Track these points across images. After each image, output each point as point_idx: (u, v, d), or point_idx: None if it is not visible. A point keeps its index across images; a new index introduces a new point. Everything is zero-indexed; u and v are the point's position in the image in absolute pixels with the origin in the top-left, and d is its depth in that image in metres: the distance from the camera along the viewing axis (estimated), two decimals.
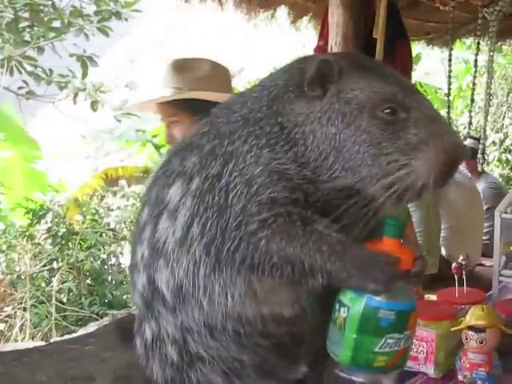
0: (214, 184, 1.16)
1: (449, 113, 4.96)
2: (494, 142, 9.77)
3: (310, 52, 3.92)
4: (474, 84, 5.14)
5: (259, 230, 1.12)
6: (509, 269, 3.02)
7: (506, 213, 2.94)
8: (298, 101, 1.18)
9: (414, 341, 2.58)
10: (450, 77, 4.71)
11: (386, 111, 1.14)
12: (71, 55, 6.20)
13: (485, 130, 4.80)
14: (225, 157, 1.16)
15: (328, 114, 1.15)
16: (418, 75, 9.54)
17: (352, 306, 1.14)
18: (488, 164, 9.40)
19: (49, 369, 1.48)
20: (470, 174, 5.78)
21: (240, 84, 10.15)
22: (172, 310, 1.22)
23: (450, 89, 4.70)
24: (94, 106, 6.28)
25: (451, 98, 5.21)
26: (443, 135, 1.14)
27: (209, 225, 1.14)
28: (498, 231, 2.98)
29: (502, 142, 9.48)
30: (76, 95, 6.30)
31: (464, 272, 2.89)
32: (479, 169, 5.60)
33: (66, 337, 3.07)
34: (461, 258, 2.89)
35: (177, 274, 1.18)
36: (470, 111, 5.37)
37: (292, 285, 1.16)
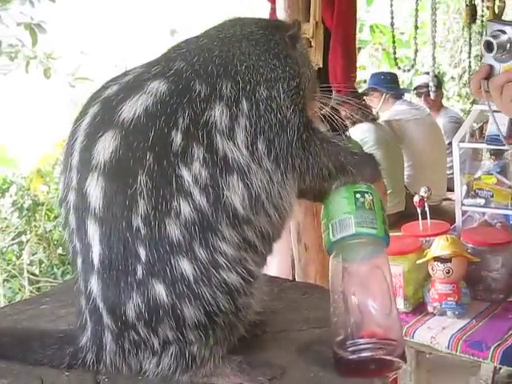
0: (268, 106, 1.31)
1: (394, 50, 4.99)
2: (452, 77, 9.81)
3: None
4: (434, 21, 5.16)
5: (311, 140, 1.36)
6: (470, 198, 3.05)
7: (462, 142, 2.95)
8: (289, 49, 1.42)
9: None
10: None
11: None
12: (18, 24, 6.07)
13: (434, 63, 4.80)
14: (268, 84, 1.33)
15: (306, 60, 1.46)
16: (372, 17, 9.50)
17: (373, 191, 1.36)
18: (448, 99, 9.44)
19: None
20: (428, 110, 5.79)
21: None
22: (244, 223, 1.26)
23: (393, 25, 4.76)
24: (46, 73, 6.19)
25: (407, 37, 5.22)
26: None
27: (277, 141, 1.30)
28: (457, 161, 2.99)
29: (460, 77, 9.52)
30: (27, 64, 6.20)
31: (427, 205, 2.91)
32: (431, 96, 5.62)
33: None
34: (422, 190, 2.90)
35: (252, 187, 1.27)
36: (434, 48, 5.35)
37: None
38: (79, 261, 1.29)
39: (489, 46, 1.55)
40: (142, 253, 1.20)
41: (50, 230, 6.22)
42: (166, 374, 1.28)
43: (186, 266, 1.20)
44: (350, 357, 1.25)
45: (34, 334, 1.44)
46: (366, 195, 1.34)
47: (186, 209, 1.21)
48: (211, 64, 1.31)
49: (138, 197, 1.20)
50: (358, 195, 1.34)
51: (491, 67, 1.57)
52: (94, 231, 1.24)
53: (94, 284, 1.26)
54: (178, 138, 1.22)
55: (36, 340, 1.39)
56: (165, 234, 1.20)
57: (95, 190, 1.22)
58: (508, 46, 1.53)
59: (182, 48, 1.38)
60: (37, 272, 6.06)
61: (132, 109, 1.24)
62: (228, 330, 1.28)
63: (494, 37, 1.54)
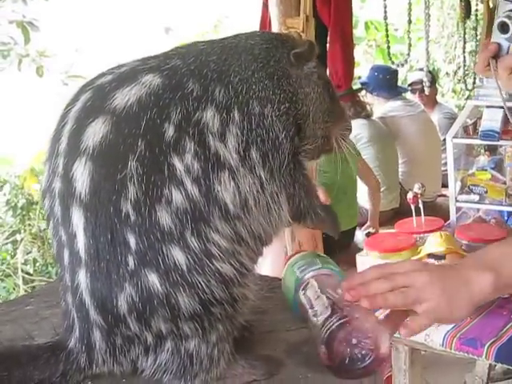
0: (261, 122, 1.30)
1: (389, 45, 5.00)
2: (447, 73, 9.80)
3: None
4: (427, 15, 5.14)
5: (303, 160, 1.39)
6: (465, 194, 3.03)
7: (456, 137, 2.93)
8: (291, 68, 1.38)
9: None
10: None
11: (328, 88, 1.44)
12: (11, 22, 6.05)
13: (428, 57, 4.78)
14: (260, 101, 1.31)
15: (311, 82, 1.40)
16: (367, 13, 9.49)
17: None
18: (443, 95, 9.43)
19: None
20: (423, 107, 5.77)
21: (168, 45, 9.92)
22: (236, 219, 1.27)
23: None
24: (39, 71, 6.17)
25: (401, 33, 5.22)
26: (345, 113, 1.54)
27: (270, 156, 1.30)
28: (451, 157, 2.97)
29: (455, 73, 9.50)
30: (20, 62, 6.18)
31: (421, 201, 2.89)
32: (426, 92, 5.59)
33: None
34: (416, 187, 2.88)
35: (241, 189, 1.26)
36: (427, 43, 5.33)
37: None
38: (66, 254, 1.26)
39: (503, 27, 1.53)
40: (132, 241, 1.18)
41: (45, 229, 6.18)
42: (164, 372, 1.26)
43: (178, 255, 1.19)
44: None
45: (18, 349, 1.38)
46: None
47: (177, 197, 1.19)
48: (206, 68, 1.30)
49: (127, 182, 1.18)
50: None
51: (499, 46, 1.55)
52: (78, 219, 1.22)
53: (82, 278, 1.23)
54: (170, 130, 1.21)
55: (23, 353, 1.33)
56: (155, 221, 1.18)
57: (82, 175, 1.20)
58: None
59: (182, 48, 1.38)
60: (31, 271, 6.04)
61: (125, 97, 1.23)
62: (229, 323, 1.27)
63: (509, 17, 1.52)
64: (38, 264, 6.10)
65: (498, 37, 1.54)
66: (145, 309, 1.21)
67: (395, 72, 5.73)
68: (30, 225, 6.18)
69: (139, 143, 1.19)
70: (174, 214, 1.19)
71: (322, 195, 1.49)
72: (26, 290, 5.67)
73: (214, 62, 1.32)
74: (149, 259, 1.19)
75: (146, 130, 1.20)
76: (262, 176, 1.29)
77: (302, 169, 1.38)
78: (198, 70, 1.29)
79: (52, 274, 5.93)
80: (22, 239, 6.15)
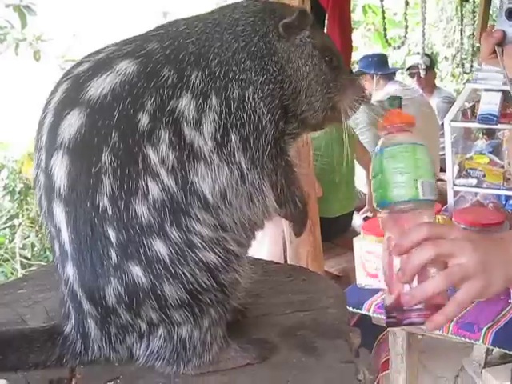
0: (241, 105, 1.25)
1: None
2: (445, 57, 9.78)
3: None
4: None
5: (287, 145, 1.34)
6: (462, 178, 3.02)
7: (454, 121, 2.92)
8: (278, 42, 1.32)
9: (372, 258, 2.61)
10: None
11: (327, 58, 1.37)
12: (7, 6, 6.02)
13: (424, 39, 4.77)
14: (241, 84, 1.26)
15: (304, 54, 1.34)
16: None
17: None
18: (442, 79, 9.41)
19: None
20: (421, 91, 5.75)
21: None
22: (217, 209, 1.24)
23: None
24: (36, 55, 6.15)
25: (400, 17, 5.21)
26: (355, 80, 1.50)
27: (252, 140, 1.25)
28: (449, 140, 2.96)
29: (454, 57, 9.47)
30: (17, 46, 6.15)
31: None
32: (422, 75, 5.59)
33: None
34: None
35: (218, 181, 1.23)
36: (424, 25, 5.32)
37: None
38: (57, 246, 1.26)
39: (511, 14, 1.50)
40: (112, 235, 1.17)
41: None
42: (157, 359, 1.25)
43: (160, 247, 1.17)
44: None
45: (12, 332, 1.36)
46: None
47: (154, 189, 1.17)
48: (184, 51, 1.26)
49: (102, 176, 1.16)
50: None
51: (504, 33, 1.53)
52: (60, 213, 1.21)
53: (70, 270, 1.23)
54: (144, 120, 1.19)
55: (17, 337, 1.32)
56: (133, 215, 1.16)
57: (60, 170, 1.19)
58: None
59: (161, 29, 1.33)
60: (29, 256, 6.03)
61: (99, 87, 1.21)
62: (221, 307, 1.25)
63: None
64: (35, 249, 6.10)
65: (503, 24, 1.52)
66: (132, 300, 1.20)
67: (384, 55, 5.87)
68: (27, 209, 6.17)
69: (113, 134, 1.17)
70: (152, 206, 1.17)
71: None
72: (23, 275, 5.67)
73: (194, 44, 1.27)
74: (131, 252, 1.17)
75: (120, 120, 1.18)
76: (242, 164, 1.25)
77: (284, 154, 1.33)
78: (174, 54, 1.25)
79: (50, 258, 5.92)
80: (19, 224, 6.14)
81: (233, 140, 1.24)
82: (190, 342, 1.25)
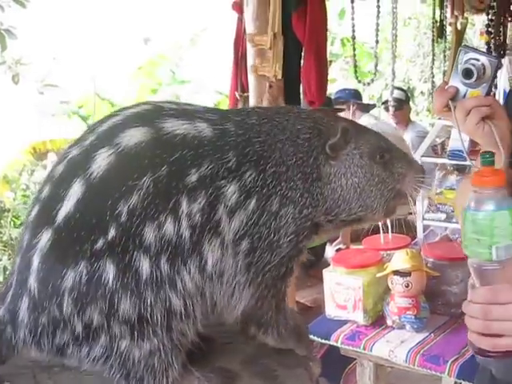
0: (269, 222, 1.33)
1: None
2: (422, 92, 9.90)
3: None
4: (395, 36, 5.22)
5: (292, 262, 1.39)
6: (432, 212, 3.06)
7: (425, 156, 2.96)
8: (325, 165, 1.40)
9: (341, 289, 2.63)
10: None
11: (378, 157, 1.43)
12: None
13: (393, 77, 4.84)
14: (283, 200, 1.34)
15: (351, 168, 1.41)
16: (344, 30, 9.55)
17: None
18: (418, 114, 9.52)
19: None
20: (395, 124, 5.83)
21: (146, 56, 9.81)
22: (206, 276, 1.29)
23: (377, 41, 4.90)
24: (14, 79, 6.14)
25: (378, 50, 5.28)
26: (412, 162, 1.51)
27: (258, 253, 1.32)
28: None
29: (430, 92, 9.60)
30: None
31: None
32: (390, 111, 5.67)
33: None
34: None
35: (223, 263, 1.30)
36: (394, 62, 5.41)
37: None
38: (34, 210, 1.30)
39: (468, 73, 1.56)
40: (111, 233, 1.23)
41: (16, 237, 6.14)
42: (103, 365, 1.26)
43: (145, 265, 1.22)
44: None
45: None
46: None
47: (169, 228, 1.25)
48: (251, 147, 1.34)
49: (134, 191, 1.24)
50: None
51: (457, 90, 1.58)
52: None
53: (45, 238, 1.25)
54: (193, 177, 1.28)
55: None
56: (140, 232, 1.23)
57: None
58: (481, 73, 1.55)
59: (237, 116, 1.41)
60: (1, 279, 5.99)
61: (177, 128, 1.30)
62: (166, 340, 1.27)
63: (473, 65, 1.56)
64: (8, 272, 6.05)
65: (457, 81, 1.58)
66: (87, 294, 1.22)
67: (358, 90, 6.04)
68: (1, 232, 6.13)
69: (164, 167, 1.25)
70: (159, 237, 1.23)
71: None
72: None
73: (260, 144, 1.35)
74: (116, 252, 1.21)
75: (175, 161, 1.26)
76: (239, 264, 1.31)
77: (288, 276, 1.40)
78: (242, 145, 1.33)
79: None
80: None
81: (243, 245, 1.31)
82: (129, 357, 1.26)
